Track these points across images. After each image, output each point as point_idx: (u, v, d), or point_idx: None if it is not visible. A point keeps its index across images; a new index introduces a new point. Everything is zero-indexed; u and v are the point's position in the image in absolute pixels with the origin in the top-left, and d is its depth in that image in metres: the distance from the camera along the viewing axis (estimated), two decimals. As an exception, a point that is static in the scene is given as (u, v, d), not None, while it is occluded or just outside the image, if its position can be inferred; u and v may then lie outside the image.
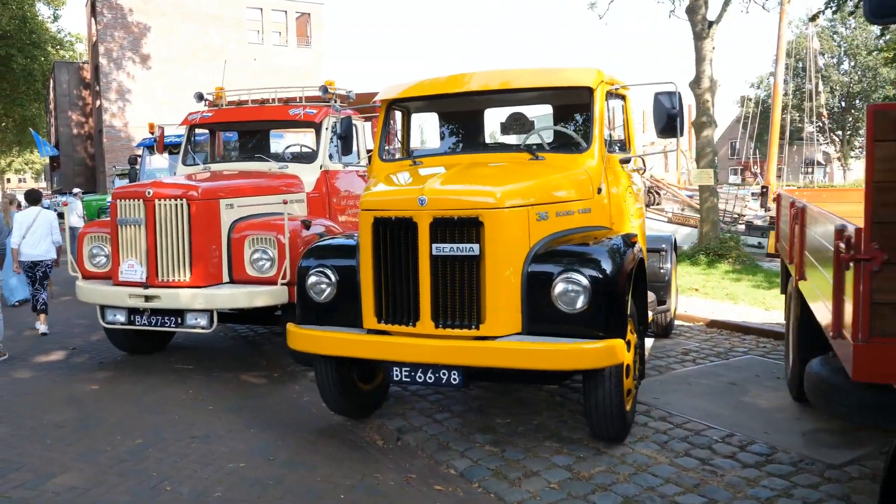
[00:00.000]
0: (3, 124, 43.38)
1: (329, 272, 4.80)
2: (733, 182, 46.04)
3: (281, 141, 13.81)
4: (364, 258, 4.61)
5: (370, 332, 4.64)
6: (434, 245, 4.34)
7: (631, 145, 6.10)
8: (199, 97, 8.19)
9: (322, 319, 4.85)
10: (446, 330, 4.39)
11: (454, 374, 4.43)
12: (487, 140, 6.77)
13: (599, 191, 5.13)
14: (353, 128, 6.16)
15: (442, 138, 6.57)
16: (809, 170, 61.43)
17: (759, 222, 23.53)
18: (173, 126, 15.53)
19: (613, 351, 4.22)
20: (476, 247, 4.30)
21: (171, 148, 14.08)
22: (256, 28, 36.12)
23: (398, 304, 4.49)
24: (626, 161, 5.67)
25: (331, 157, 7.66)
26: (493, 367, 4.39)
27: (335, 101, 7.94)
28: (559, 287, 4.26)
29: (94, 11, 33.13)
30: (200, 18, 34.04)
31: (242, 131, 8.83)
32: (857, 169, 64.30)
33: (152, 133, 14.44)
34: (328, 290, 4.80)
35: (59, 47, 49.94)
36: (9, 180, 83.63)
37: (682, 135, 5.16)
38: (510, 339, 4.33)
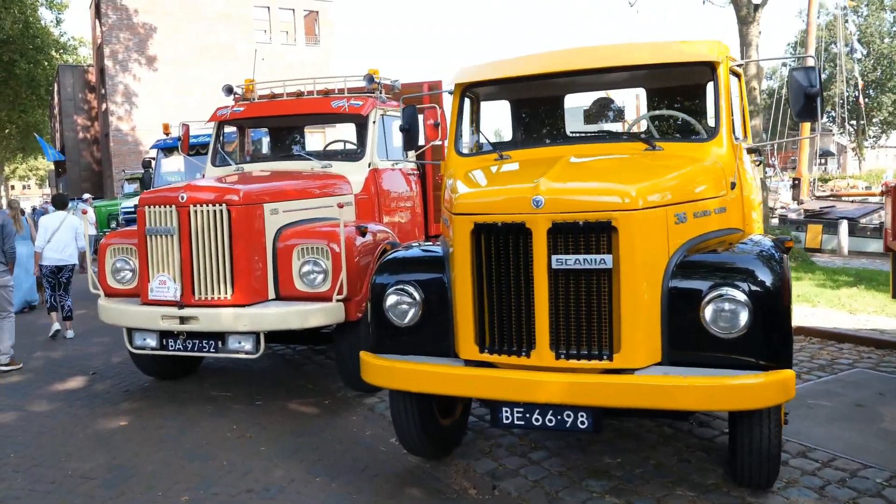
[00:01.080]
0: (7, 131, 42.62)
1: (412, 290, 3.95)
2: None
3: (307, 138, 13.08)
4: (460, 273, 3.75)
5: (469, 363, 3.79)
6: (554, 257, 3.48)
7: (747, 132, 5.22)
8: (229, 90, 7.34)
9: (404, 347, 4.01)
10: (570, 361, 3.53)
11: (582, 416, 3.58)
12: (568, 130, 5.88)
13: (733, 185, 4.25)
14: (419, 119, 5.30)
15: (520, 128, 5.70)
16: (823, 161, 60.50)
17: (793, 216, 22.63)
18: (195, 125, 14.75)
19: (786, 385, 3.36)
20: (608, 258, 3.44)
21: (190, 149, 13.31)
22: (264, 27, 35.26)
23: (507, 330, 3.64)
24: (754, 151, 4.79)
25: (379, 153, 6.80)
26: (631, 408, 3.53)
27: (380, 92, 7.09)
28: (712, 306, 3.40)
29: (98, 13, 32.32)
30: (207, 17, 33.18)
31: (275, 128, 7.98)
32: (871, 159, 63.21)
33: (167, 134, 13.69)
34: (412, 311, 3.95)
35: (62, 52, 49.27)
36: (13, 187, 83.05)
37: (821, 117, 4.29)
38: (651, 373, 3.48)
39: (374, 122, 6.86)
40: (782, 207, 24.37)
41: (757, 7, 13.78)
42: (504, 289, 3.63)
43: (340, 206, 5.41)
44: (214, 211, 5.33)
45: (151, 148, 13.55)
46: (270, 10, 35.05)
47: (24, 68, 33.10)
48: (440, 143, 5.45)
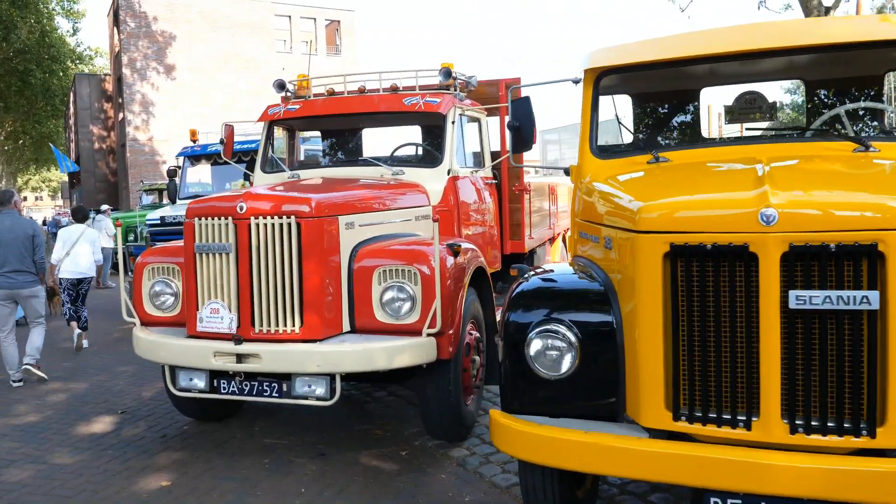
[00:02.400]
0: (21, 141, 41.99)
1: (566, 331, 2.96)
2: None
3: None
4: (644, 309, 2.77)
5: (655, 434, 2.79)
6: (792, 293, 2.49)
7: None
8: (280, 86, 6.40)
9: (552, 406, 3.03)
10: (811, 437, 2.54)
11: (834, 515, 2.56)
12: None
13: None
14: (533, 113, 4.31)
15: (645, 127, 4.71)
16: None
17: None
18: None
19: None
20: (873, 295, 2.45)
21: (217, 157, 12.41)
22: (284, 37, 34.59)
23: (716, 390, 2.66)
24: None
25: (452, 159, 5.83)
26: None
27: (457, 89, 6.14)
28: None
29: (116, 20, 31.69)
30: (227, 26, 32.51)
31: (332, 130, 7.03)
32: None
33: (194, 141, 12.77)
34: (566, 360, 2.97)
35: (78, 62, 48.82)
36: (25, 198, 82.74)
37: None
38: (935, 458, 2.47)
39: (452, 123, 5.90)
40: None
41: (828, 10, 12.84)
42: (713, 333, 2.64)
43: (436, 219, 4.41)
44: (281, 224, 4.36)
45: (178, 156, 12.65)
46: (292, 20, 34.39)
47: (40, 78, 32.43)
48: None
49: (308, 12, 34.88)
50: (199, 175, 13.19)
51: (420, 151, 6.64)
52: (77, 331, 8.68)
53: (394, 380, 5.16)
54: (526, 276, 3.39)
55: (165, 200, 22.00)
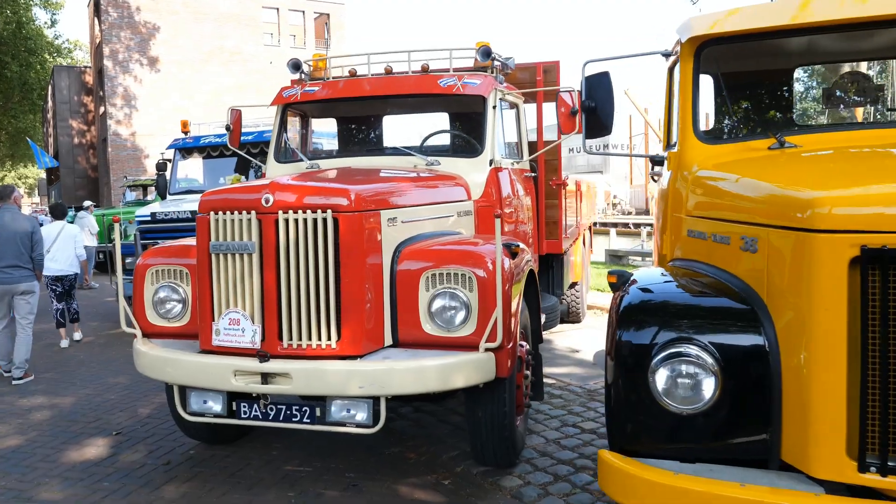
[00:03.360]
0: (-3, 136, 40.75)
1: (706, 356, 2.35)
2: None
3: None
4: (816, 330, 2.17)
5: (833, 488, 2.19)
6: None
7: None
8: (295, 66, 5.72)
9: (684, 448, 2.42)
10: None
11: None
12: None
13: None
14: (610, 95, 3.68)
15: (757, 107, 4.07)
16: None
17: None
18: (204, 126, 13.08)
19: None
20: None
21: (211, 150, 11.68)
22: (272, 30, 33.72)
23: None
24: None
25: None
26: None
27: (495, 71, 5.51)
28: None
29: (97, 10, 30.63)
30: (213, 18, 31.59)
31: (353, 116, 6.36)
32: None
33: (185, 132, 11.94)
34: (704, 389, 2.36)
35: (56, 54, 47.48)
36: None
37: None
38: None
39: (494, 107, 5.26)
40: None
41: None
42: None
43: (498, 215, 3.76)
44: (315, 220, 3.70)
45: (168, 148, 11.88)
46: (279, 13, 33.55)
47: (16, 71, 31.31)
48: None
49: (296, 4, 34.03)
50: (188, 170, 12.45)
51: (448, 140, 5.99)
52: (64, 342, 8.69)
53: (431, 398, 4.53)
54: (633, 285, 2.76)
55: (150, 196, 21.17)
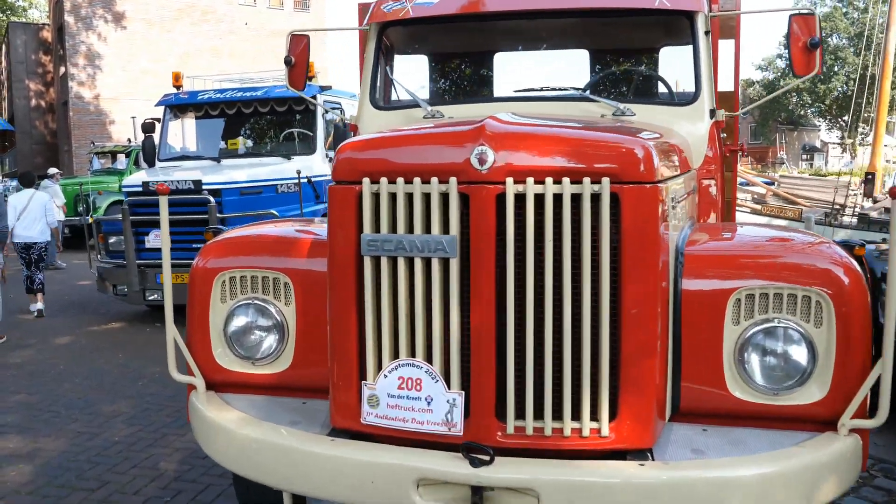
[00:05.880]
0: (-56, 98, 37.40)
1: None
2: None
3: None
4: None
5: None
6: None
7: None
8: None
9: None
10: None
11: None
12: None
13: None
14: None
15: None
16: (808, 156, 59.24)
17: (874, 214, 19.88)
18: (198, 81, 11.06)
19: None
20: None
21: (209, 107, 9.69)
22: (248, -12, 31.21)
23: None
24: None
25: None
26: None
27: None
28: None
29: (56, -39, 27.83)
30: (186, -28, 28.98)
31: (477, 50, 4.50)
32: (863, 156, 61.38)
33: (178, 87, 10.01)
34: None
35: (9, 12, 43.89)
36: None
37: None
38: None
39: (707, 33, 3.55)
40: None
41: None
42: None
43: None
44: (577, 196, 1.95)
45: (158, 105, 9.85)
46: (257, -31, 31.08)
47: (-35, 27, 28.39)
48: None
49: (275, -39, 31.56)
50: (186, 130, 10.44)
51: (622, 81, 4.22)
52: (37, 304, 8.60)
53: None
54: None
55: (118, 164, 18.92)
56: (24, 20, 40.85)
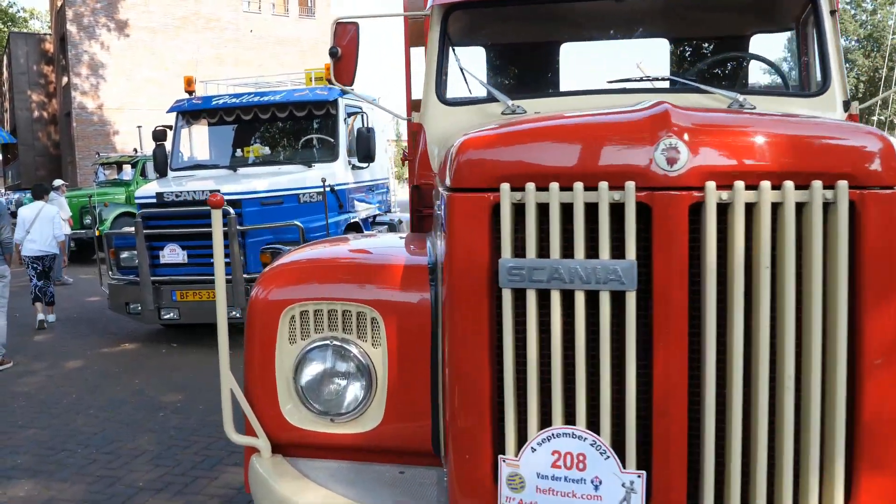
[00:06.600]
0: (-54, 110, 36.97)
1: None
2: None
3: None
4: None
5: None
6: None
7: None
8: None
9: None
10: None
11: None
12: None
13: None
14: None
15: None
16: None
17: None
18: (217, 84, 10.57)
19: None
20: None
21: (224, 113, 9.19)
22: (252, -5, 30.83)
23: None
24: None
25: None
26: None
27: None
28: None
29: (58, -30, 27.44)
30: (189, -21, 28.59)
31: (555, 37, 3.98)
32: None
33: (190, 92, 9.53)
34: None
35: (10, 24, 43.54)
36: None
37: None
38: None
39: (832, 13, 3.04)
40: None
41: None
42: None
43: None
44: (804, 206, 1.43)
45: (170, 111, 9.35)
46: (261, -25, 30.70)
47: (-34, 38, 27.96)
48: None
49: (279, -32, 31.17)
50: (197, 138, 9.95)
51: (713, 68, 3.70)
52: (39, 315, 8.62)
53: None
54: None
55: (124, 174, 18.42)
56: (25, 31, 40.51)
